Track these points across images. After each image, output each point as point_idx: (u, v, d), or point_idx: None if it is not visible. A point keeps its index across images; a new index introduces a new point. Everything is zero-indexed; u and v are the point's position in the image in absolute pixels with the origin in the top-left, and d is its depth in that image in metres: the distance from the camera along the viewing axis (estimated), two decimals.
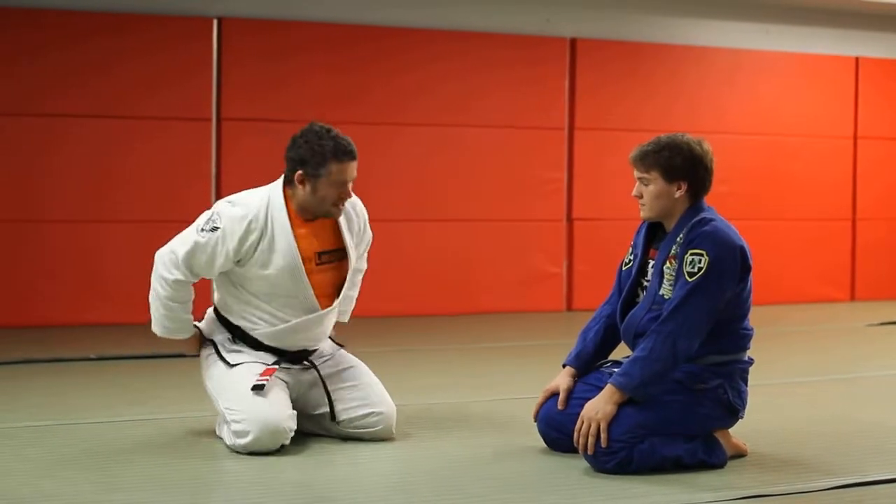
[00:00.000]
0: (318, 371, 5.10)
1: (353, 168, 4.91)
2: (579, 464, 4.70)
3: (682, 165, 4.76)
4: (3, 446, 5.04)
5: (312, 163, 4.86)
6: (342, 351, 5.31)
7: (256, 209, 4.93)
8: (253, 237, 4.90)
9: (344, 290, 5.18)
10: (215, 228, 4.91)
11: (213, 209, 5.02)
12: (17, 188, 8.99)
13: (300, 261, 4.95)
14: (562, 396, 4.92)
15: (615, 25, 10.82)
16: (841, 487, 4.47)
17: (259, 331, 5.03)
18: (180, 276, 5.00)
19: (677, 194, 4.77)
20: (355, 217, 5.19)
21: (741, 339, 4.82)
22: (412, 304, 10.04)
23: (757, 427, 5.31)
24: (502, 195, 10.37)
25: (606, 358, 5.03)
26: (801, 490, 4.43)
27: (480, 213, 10.34)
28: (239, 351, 5.08)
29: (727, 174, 10.55)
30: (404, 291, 9.98)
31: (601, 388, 4.69)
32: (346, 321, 5.48)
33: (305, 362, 5.13)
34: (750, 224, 10.27)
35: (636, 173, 4.83)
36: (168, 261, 5.03)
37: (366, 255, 5.42)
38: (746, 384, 4.87)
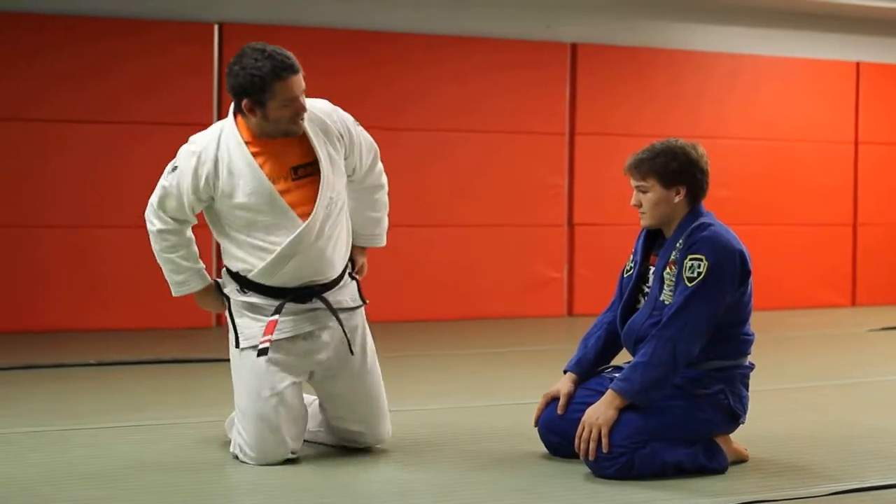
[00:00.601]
0: (336, 315, 4.84)
1: (298, 81, 4.67)
2: (580, 469, 4.69)
3: (679, 170, 4.76)
4: (3, 452, 5.04)
5: (254, 89, 4.63)
6: (356, 341, 4.97)
7: (206, 142, 4.82)
8: (206, 168, 4.75)
9: (366, 212, 5.09)
10: (174, 168, 4.85)
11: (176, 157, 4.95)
12: (16, 193, 8.98)
13: (267, 180, 4.69)
14: (562, 401, 4.92)
15: (616, 30, 10.82)
16: (842, 493, 4.47)
17: (255, 271, 4.77)
18: (162, 225, 4.90)
19: (676, 199, 4.77)
20: (332, 123, 4.90)
21: (742, 344, 4.81)
22: (413, 310, 10.03)
23: (758, 432, 5.30)
24: (503, 200, 10.37)
25: (607, 364, 5.03)
26: (802, 495, 4.43)
27: (481, 219, 10.34)
28: (248, 307, 4.83)
29: (728, 179, 10.57)
30: (405, 297, 9.97)
31: (602, 394, 4.68)
32: (384, 243, 5.30)
33: (316, 300, 4.83)
34: (751, 229, 10.27)
35: (633, 182, 4.83)
36: (149, 213, 4.96)
37: (379, 165, 5.14)
38: (747, 389, 4.86)
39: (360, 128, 5.04)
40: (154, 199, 4.90)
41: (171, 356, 7.79)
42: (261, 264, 4.75)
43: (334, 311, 4.84)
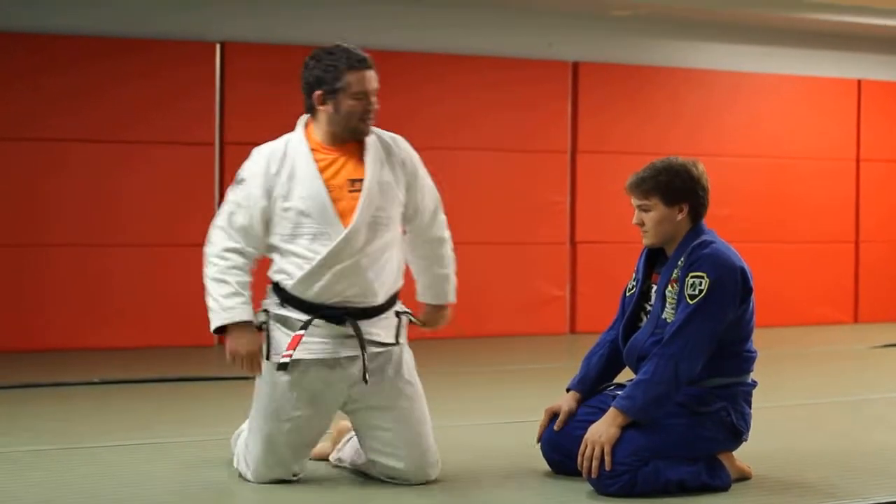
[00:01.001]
0: (361, 344, 4.68)
1: (371, 77, 4.72)
2: (583, 487, 4.69)
3: (682, 187, 4.77)
4: (5, 470, 5.03)
5: (328, 78, 4.66)
6: (401, 374, 4.85)
7: (274, 146, 4.77)
8: (273, 168, 4.67)
9: (433, 268, 5.01)
10: (241, 180, 4.72)
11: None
12: (20, 212, 8.99)
13: (323, 187, 4.63)
14: (561, 418, 4.92)
15: (617, 49, 10.84)
16: None
17: (293, 280, 4.63)
18: (228, 243, 4.67)
19: (679, 217, 4.78)
20: (397, 150, 4.86)
21: (744, 361, 4.81)
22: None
23: (761, 450, 5.29)
24: (505, 218, 10.37)
25: (610, 382, 5.02)
26: None
27: (483, 237, 10.33)
28: (282, 320, 4.68)
29: (729, 197, 10.57)
30: None
31: (604, 411, 4.68)
32: (454, 300, 5.13)
33: (349, 325, 4.68)
34: (752, 247, 10.26)
35: (635, 201, 4.83)
36: (213, 233, 4.75)
37: (442, 216, 5.09)
38: (750, 407, 4.86)
39: (426, 172, 5.03)
40: (221, 217, 4.74)
41: (173, 375, 7.79)
42: (298, 272, 4.64)
43: (361, 340, 4.67)
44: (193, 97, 9.39)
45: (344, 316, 4.67)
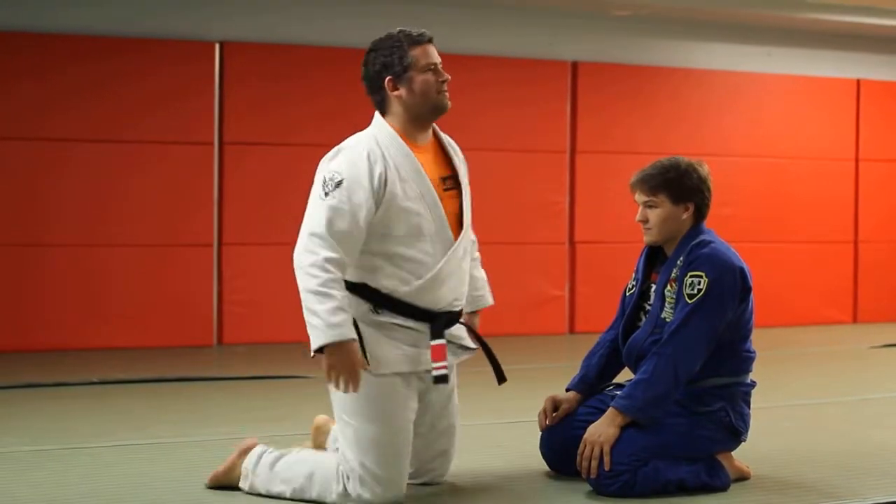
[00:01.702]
0: (470, 345, 4.75)
1: (434, 51, 4.61)
2: (582, 487, 4.69)
3: (691, 186, 4.78)
4: (6, 470, 5.04)
5: (394, 60, 4.53)
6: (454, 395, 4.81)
7: (367, 143, 4.48)
8: (378, 168, 4.40)
9: (470, 271, 4.85)
10: (339, 183, 4.35)
11: (321, 174, 4.46)
12: (20, 212, 8.99)
13: (431, 184, 4.51)
14: (559, 412, 4.93)
15: (616, 48, 10.85)
16: None
17: (410, 287, 4.46)
18: (330, 253, 4.28)
19: (684, 216, 4.79)
20: (457, 148, 4.82)
21: (743, 361, 4.82)
22: None
23: (760, 450, 5.30)
24: (504, 218, 10.37)
25: (610, 382, 5.03)
26: None
27: (482, 236, 10.17)
28: (384, 327, 4.47)
29: (729, 197, 10.58)
30: None
31: (604, 411, 4.68)
32: (491, 302, 5.23)
33: (453, 333, 4.67)
34: (752, 246, 10.28)
35: (640, 197, 4.83)
36: (311, 243, 4.30)
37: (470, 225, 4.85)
38: (749, 407, 4.86)
39: None
40: (318, 225, 4.30)
41: (173, 375, 7.79)
42: (415, 280, 4.47)
43: (465, 345, 4.69)
44: (193, 97, 9.39)
45: (454, 320, 4.64)
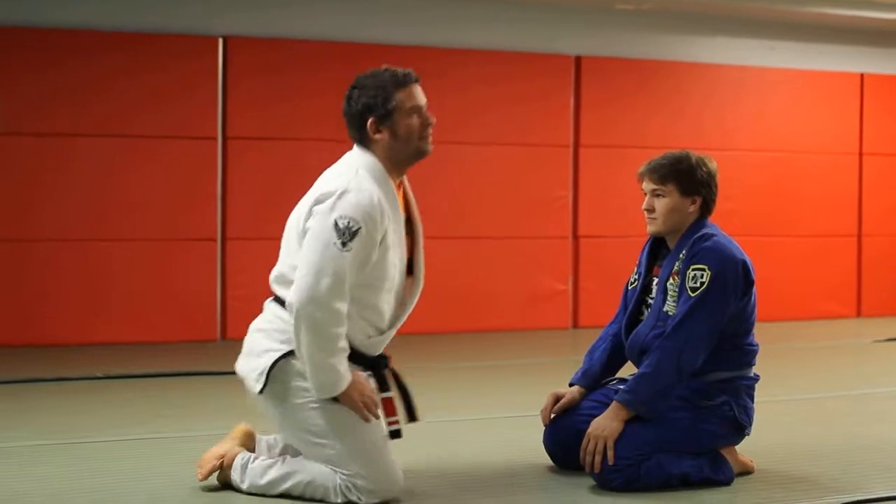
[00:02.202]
0: (396, 376, 4.63)
1: (420, 92, 4.48)
2: (586, 481, 4.69)
3: (701, 180, 4.78)
4: (8, 465, 5.04)
5: (378, 102, 4.40)
6: None
7: (371, 188, 4.32)
8: (386, 221, 4.31)
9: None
10: (356, 232, 4.22)
11: (331, 215, 4.23)
12: (22, 207, 8.99)
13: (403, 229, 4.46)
14: (562, 403, 4.93)
15: (620, 43, 10.83)
16: None
17: (360, 339, 4.40)
18: (345, 307, 4.24)
19: (691, 209, 4.79)
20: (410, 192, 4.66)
21: (746, 354, 4.81)
22: (417, 322, 9.96)
23: (763, 444, 5.30)
24: (507, 213, 10.37)
25: (613, 376, 5.03)
26: None
27: (485, 231, 10.34)
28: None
29: (733, 191, 10.55)
30: None
31: (607, 405, 4.68)
32: None
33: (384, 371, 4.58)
34: (755, 240, 10.28)
35: (648, 185, 4.82)
36: (326, 297, 4.18)
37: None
38: (752, 401, 4.86)
39: None
40: (327, 278, 4.18)
41: (176, 370, 7.79)
42: (374, 334, 4.46)
43: (396, 376, 4.64)
44: (196, 91, 9.38)
45: (383, 361, 4.60)
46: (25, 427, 5.88)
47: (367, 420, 4.33)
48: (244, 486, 4.51)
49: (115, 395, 6.94)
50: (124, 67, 9.20)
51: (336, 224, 4.22)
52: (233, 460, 4.57)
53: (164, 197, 9.30)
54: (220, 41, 9.48)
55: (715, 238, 4.73)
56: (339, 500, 4.36)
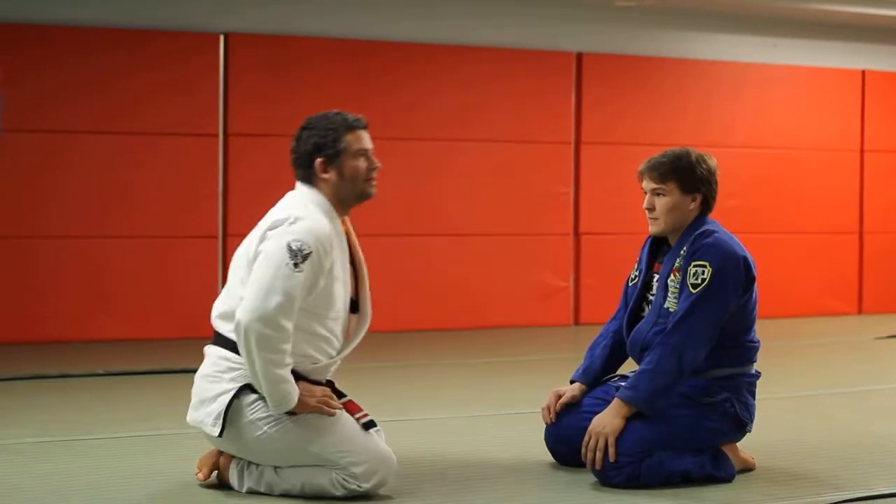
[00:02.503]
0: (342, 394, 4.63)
1: (368, 138, 4.60)
2: (587, 478, 4.69)
3: (701, 177, 4.78)
4: (10, 462, 5.04)
5: (328, 142, 4.52)
6: None
7: (320, 218, 4.46)
8: (333, 250, 4.44)
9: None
10: (307, 256, 4.32)
11: (284, 238, 4.35)
12: (24, 204, 8.99)
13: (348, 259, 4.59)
14: (563, 399, 4.93)
15: (621, 40, 10.83)
16: (849, 501, 4.46)
17: (313, 364, 4.49)
18: (291, 327, 4.32)
19: (691, 206, 4.78)
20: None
21: (747, 351, 4.81)
22: (418, 319, 10.03)
23: (765, 441, 5.30)
24: (509, 210, 10.37)
25: (614, 373, 5.03)
26: (809, 503, 4.43)
27: (487, 228, 10.34)
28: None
29: (734, 188, 10.57)
30: (410, 306, 9.96)
31: (608, 402, 4.68)
32: None
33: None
34: (757, 237, 10.28)
35: (649, 185, 4.81)
36: (274, 317, 4.25)
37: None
38: (754, 398, 4.86)
39: None
40: (279, 299, 4.25)
41: (178, 366, 7.79)
42: (324, 359, 4.51)
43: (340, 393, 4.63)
44: (198, 88, 9.38)
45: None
46: (26, 424, 5.88)
47: (331, 414, 4.38)
48: (243, 490, 4.52)
49: (117, 393, 6.95)
50: (125, 65, 9.19)
51: (289, 246, 4.34)
52: (229, 461, 4.58)
53: (166, 194, 9.29)
54: (222, 38, 9.48)
55: (716, 235, 4.72)
56: (340, 493, 4.38)
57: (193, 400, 4.56)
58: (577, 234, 10.68)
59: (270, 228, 4.45)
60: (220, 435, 4.41)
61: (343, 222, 4.65)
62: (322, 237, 4.39)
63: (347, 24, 9.89)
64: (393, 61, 10.01)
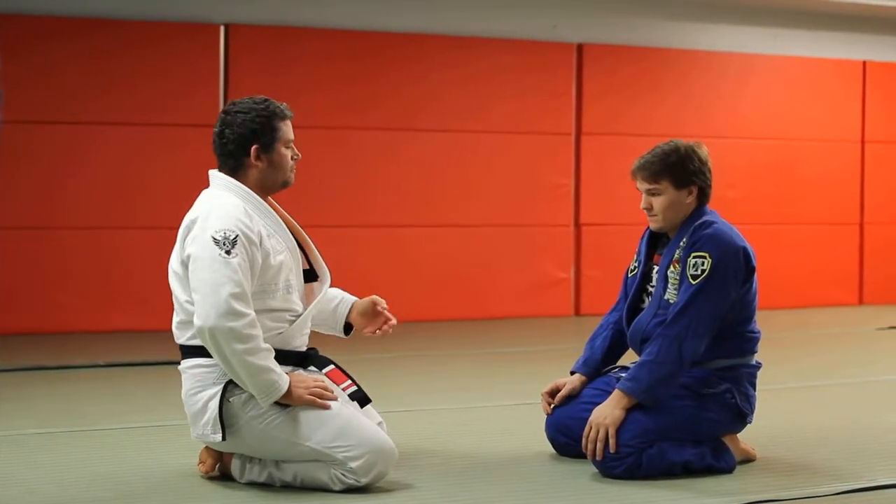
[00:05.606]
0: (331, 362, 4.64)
1: (291, 128, 4.71)
2: (588, 469, 4.70)
3: (693, 170, 4.76)
4: (12, 453, 5.05)
5: (264, 130, 4.56)
6: None
7: (233, 200, 4.52)
8: (256, 225, 4.45)
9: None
10: (235, 240, 4.36)
11: (207, 233, 4.41)
12: (35, 195, 9.00)
13: (291, 236, 4.60)
14: (562, 393, 4.94)
15: (622, 30, 10.83)
16: (850, 492, 4.46)
17: (279, 334, 4.49)
18: (252, 312, 4.31)
19: (688, 200, 4.78)
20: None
21: (748, 342, 4.81)
22: (419, 309, 10.03)
23: (765, 432, 5.31)
24: (510, 201, 10.38)
25: (614, 364, 5.03)
26: (810, 495, 4.42)
27: (488, 219, 10.34)
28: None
29: (735, 178, 10.59)
30: (412, 297, 9.96)
31: (609, 393, 4.69)
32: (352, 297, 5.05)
33: (312, 368, 4.67)
34: (758, 228, 10.29)
35: (643, 185, 4.81)
36: (239, 306, 4.27)
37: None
38: (754, 388, 4.86)
39: None
40: (235, 285, 4.27)
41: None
42: (287, 327, 4.53)
43: (329, 361, 4.64)
44: (198, 79, 9.38)
45: (304, 359, 4.65)
46: (30, 415, 5.89)
47: (325, 407, 4.37)
48: (243, 481, 4.54)
49: (121, 383, 6.96)
50: (126, 56, 9.20)
51: (214, 238, 4.37)
52: (231, 455, 4.58)
53: (175, 186, 9.25)
54: (222, 29, 9.47)
55: (715, 225, 4.72)
56: (338, 488, 4.37)
57: (189, 418, 4.56)
58: (577, 225, 10.69)
59: (188, 231, 4.52)
60: (224, 439, 4.41)
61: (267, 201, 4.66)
62: (239, 215, 4.43)
63: (348, 16, 9.89)
64: (394, 53, 10.01)
